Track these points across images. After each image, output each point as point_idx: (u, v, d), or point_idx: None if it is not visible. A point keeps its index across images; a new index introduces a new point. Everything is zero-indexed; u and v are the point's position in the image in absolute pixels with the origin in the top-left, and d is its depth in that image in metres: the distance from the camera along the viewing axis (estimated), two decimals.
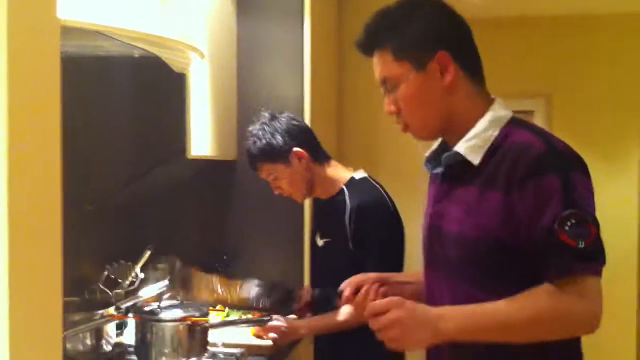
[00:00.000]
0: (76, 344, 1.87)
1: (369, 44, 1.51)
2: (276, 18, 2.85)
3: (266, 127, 2.27)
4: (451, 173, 1.49)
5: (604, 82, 4.61)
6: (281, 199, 2.43)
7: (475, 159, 1.41)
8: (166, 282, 2.24)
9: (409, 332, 1.32)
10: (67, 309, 1.92)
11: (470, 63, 1.48)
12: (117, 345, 2.05)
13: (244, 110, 2.79)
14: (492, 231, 1.36)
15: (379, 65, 1.50)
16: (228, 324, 2.06)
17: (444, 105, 1.46)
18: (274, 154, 2.25)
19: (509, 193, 1.34)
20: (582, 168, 1.38)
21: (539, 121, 4.76)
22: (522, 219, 1.32)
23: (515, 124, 1.45)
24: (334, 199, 2.29)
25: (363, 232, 2.16)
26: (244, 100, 2.82)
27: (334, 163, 2.36)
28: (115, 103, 2.63)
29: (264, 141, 2.25)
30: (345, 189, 2.25)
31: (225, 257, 2.72)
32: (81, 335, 1.87)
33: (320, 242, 2.33)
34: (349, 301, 1.72)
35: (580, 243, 1.28)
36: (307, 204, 2.72)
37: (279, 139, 2.25)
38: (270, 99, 2.80)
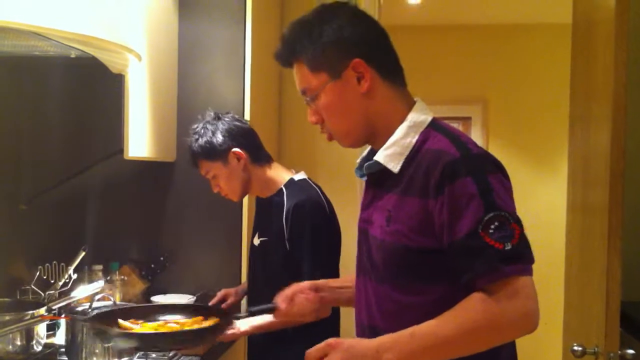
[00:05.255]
0: (6, 345, 1.85)
1: (286, 56, 1.51)
2: (218, 18, 2.86)
3: (208, 126, 2.31)
4: (374, 180, 1.51)
5: (536, 89, 4.76)
6: (218, 200, 2.44)
7: (395, 167, 1.43)
8: (100, 282, 2.24)
9: None
10: None
11: (388, 67, 1.48)
12: (48, 346, 2.04)
13: (183, 112, 2.80)
14: (411, 237, 1.37)
15: (297, 77, 1.51)
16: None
17: (364, 111, 1.46)
18: (212, 152, 2.29)
19: (425, 199, 1.35)
20: (498, 169, 1.37)
21: (475, 127, 4.90)
22: (442, 225, 1.32)
23: (434, 128, 1.45)
24: (272, 198, 2.32)
25: (297, 232, 2.20)
26: (184, 101, 2.82)
27: (275, 164, 2.40)
28: (52, 103, 2.61)
29: (205, 139, 2.29)
30: (284, 189, 2.29)
31: (162, 258, 2.72)
32: (11, 336, 1.85)
33: (257, 241, 2.36)
34: (286, 314, 1.71)
35: (507, 244, 1.27)
36: (245, 205, 2.75)
37: (219, 137, 2.28)
38: (210, 100, 2.81)
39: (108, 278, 2.48)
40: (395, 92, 1.48)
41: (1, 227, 2.27)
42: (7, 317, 1.87)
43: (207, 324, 1.71)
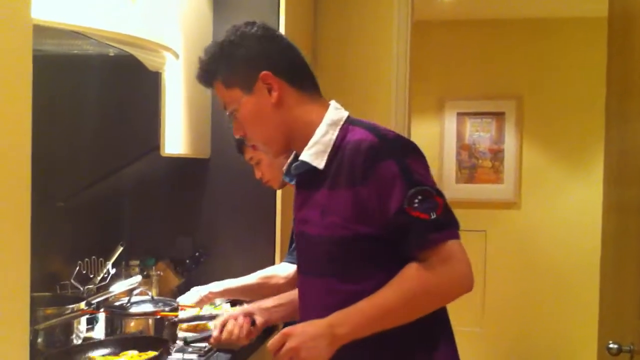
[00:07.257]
0: (46, 338, 1.89)
1: (205, 78, 1.63)
2: (251, 17, 2.85)
3: None
4: (303, 180, 1.60)
5: (572, 84, 4.70)
6: (252, 196, 2.45)
7: (320, 164, 1.53)
8: (137, 277, 2.28)
9: (309, 351, 1.40)
10: (38, 303, 1.96)
11: (296, 76, 1.59)
12: (87, 340, 2.08)
13: (217, 109, 2.83)
14: (349, 227, 1.46)
15: (218, 95, 1.62)
16: (196, 318, 2.09)
17: (280, 120, 1.57)
18: None
19: (354, 187, 1.45)
20: (414, 150, 1.50)
21: (509, 122, 4.86)
22: (373, 208, 1.43)
23: (350, 123, 1.56)
24: None
25: None
26: (218, 98, 2.85)
27: None
28: (89, 100, 2.65)
29: None
30: None
31: (197, 254, 2.75)
32: (51, 329, 1.89)
33: None
34: (218, 340, 1.78)
35: (432, 214, 1.40)
36: (279, 200, 2.77)
37: None
38: None
39: (145, 274, 2.52)
40: (307, 98, 1.59)
41: (41, 224, 2.30)
42: (48, 311, 1.92)
43: (145, 356, 1.75)
